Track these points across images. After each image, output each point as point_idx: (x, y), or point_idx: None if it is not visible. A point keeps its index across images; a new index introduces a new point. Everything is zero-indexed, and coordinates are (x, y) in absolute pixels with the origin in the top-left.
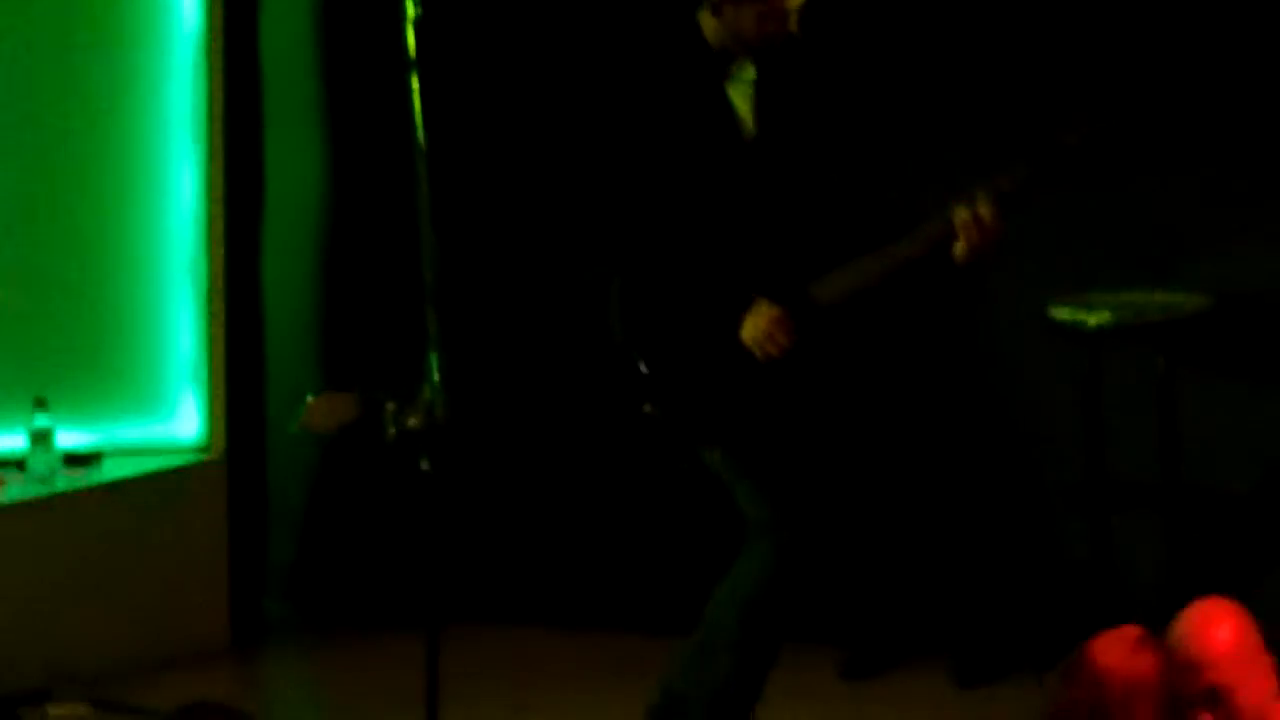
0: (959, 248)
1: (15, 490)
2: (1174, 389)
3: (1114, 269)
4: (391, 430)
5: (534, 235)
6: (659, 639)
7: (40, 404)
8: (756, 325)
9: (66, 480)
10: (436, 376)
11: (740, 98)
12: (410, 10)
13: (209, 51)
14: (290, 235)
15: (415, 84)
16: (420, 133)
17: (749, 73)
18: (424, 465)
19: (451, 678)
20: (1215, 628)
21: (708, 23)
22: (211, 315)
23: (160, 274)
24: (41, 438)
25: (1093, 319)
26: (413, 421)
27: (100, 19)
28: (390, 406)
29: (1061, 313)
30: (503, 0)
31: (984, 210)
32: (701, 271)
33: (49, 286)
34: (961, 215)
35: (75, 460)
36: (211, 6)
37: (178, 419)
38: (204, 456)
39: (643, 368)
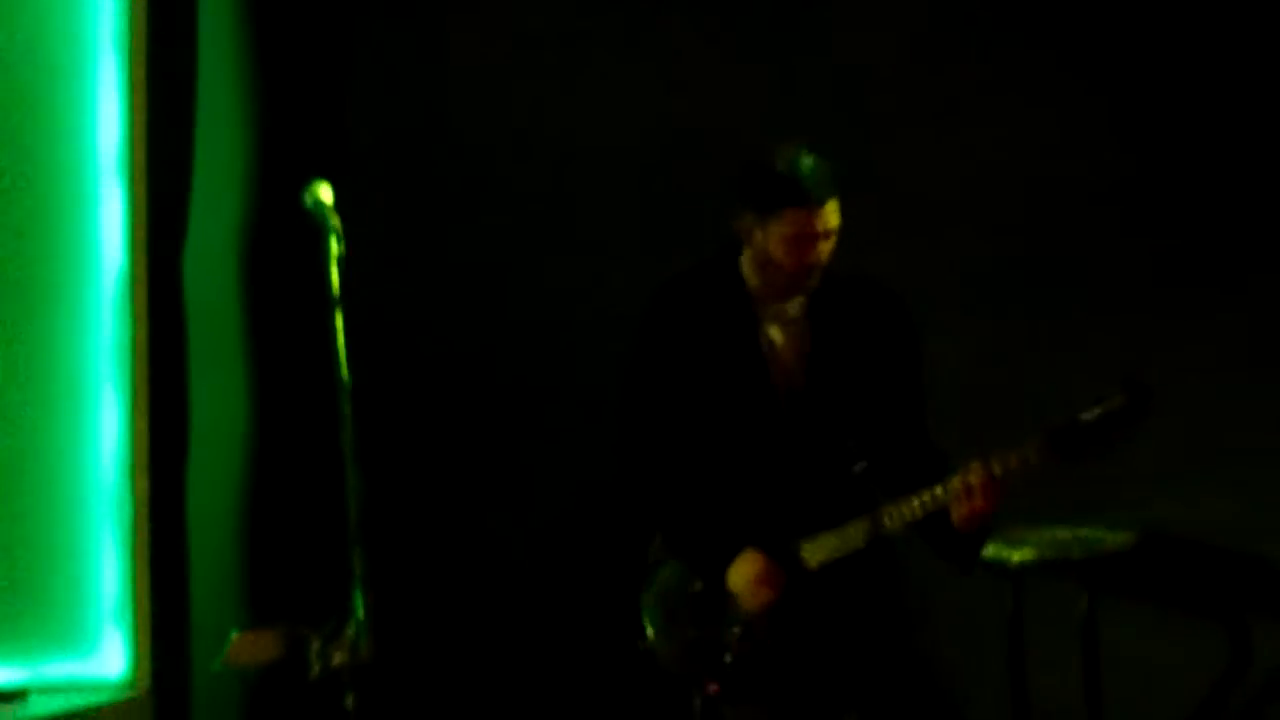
0: (955, 516)
1: None
2: (1096, 624)
3: (1037, 505)
4: (316, 667)
5: (459, 469)
6: None
7: None
8: (744, 575)
9: None
10: (361, 613)
11: (779, 336)
12: (334, 248)
13: (133, 288)
14: (214, 471)
15: (339, 321)
16: (344, 369)
17: (792, 310)
18: (349, 703)
19: None
20: None
21: (746, 263)
22: (135, 552)
23: (84, 510)
24: None
25: (1016, 555)
26: (338, 658)
27: (24, 252)
28: (315, 643)
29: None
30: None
31: (984, 481)
32: (705, 521)
33: None
34: (961, 484)
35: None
36: (135, 245)
37: (102, 655)
38: (129, 693)
39: (640, 644)
